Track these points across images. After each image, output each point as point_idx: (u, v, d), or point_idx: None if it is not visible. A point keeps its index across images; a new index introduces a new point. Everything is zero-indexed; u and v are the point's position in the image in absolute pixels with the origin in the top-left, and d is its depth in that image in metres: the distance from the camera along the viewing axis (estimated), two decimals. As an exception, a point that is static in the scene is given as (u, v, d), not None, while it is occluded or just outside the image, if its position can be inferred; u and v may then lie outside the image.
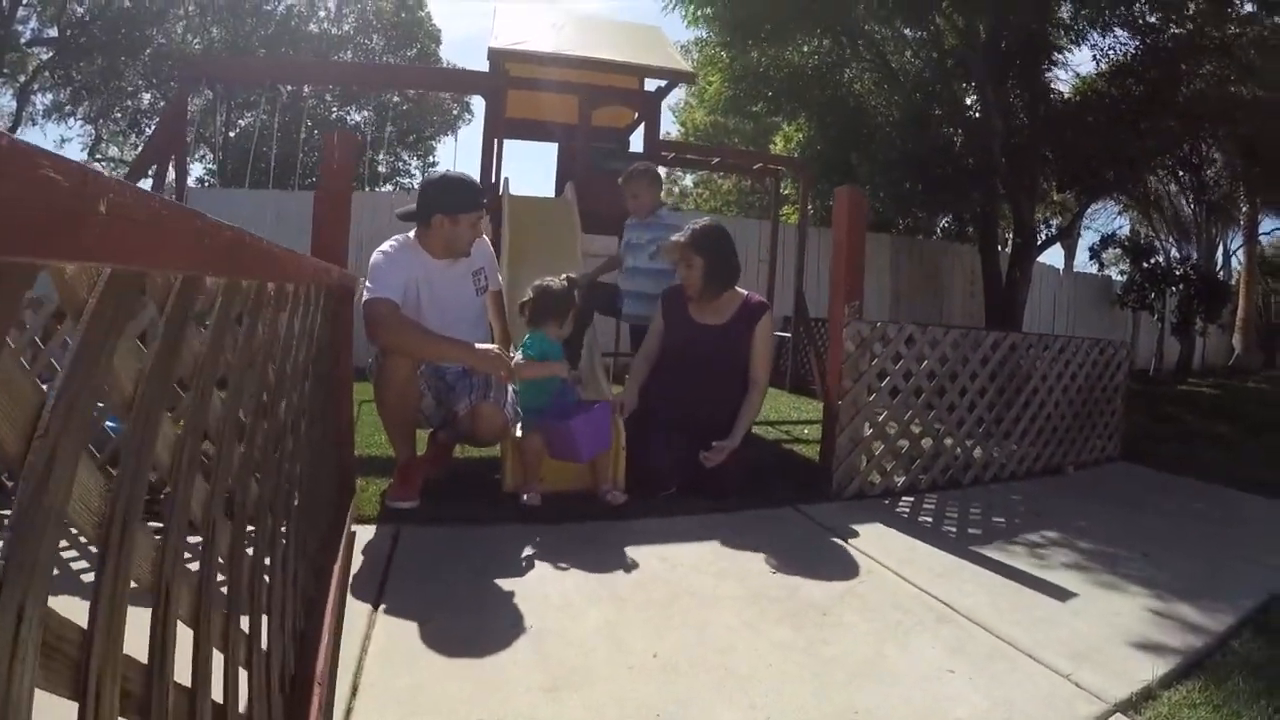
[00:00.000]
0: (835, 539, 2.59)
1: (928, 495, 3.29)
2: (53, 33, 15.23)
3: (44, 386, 0.44)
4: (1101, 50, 9.36)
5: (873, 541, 2.57)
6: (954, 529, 2.82)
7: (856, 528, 2.70)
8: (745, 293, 3.25)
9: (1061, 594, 2.16)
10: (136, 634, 0.58)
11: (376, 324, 2.54)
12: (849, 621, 1.89)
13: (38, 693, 0.41)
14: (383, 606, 1.85)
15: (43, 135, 17.02)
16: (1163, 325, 12.83)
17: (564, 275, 2.96)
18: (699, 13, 9.15)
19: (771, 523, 2.75)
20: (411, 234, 2.84)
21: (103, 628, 0.48)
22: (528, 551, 2.30)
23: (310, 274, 1.25)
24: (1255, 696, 1.55)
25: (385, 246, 2.78)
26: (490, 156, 5.51)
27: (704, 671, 1.59)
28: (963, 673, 1.64)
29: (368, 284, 2.62)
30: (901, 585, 2.17)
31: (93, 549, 0.51)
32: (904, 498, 3.22)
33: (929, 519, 2.94)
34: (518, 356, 2.81)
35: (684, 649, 1.69)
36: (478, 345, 2.65)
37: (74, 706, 0.47)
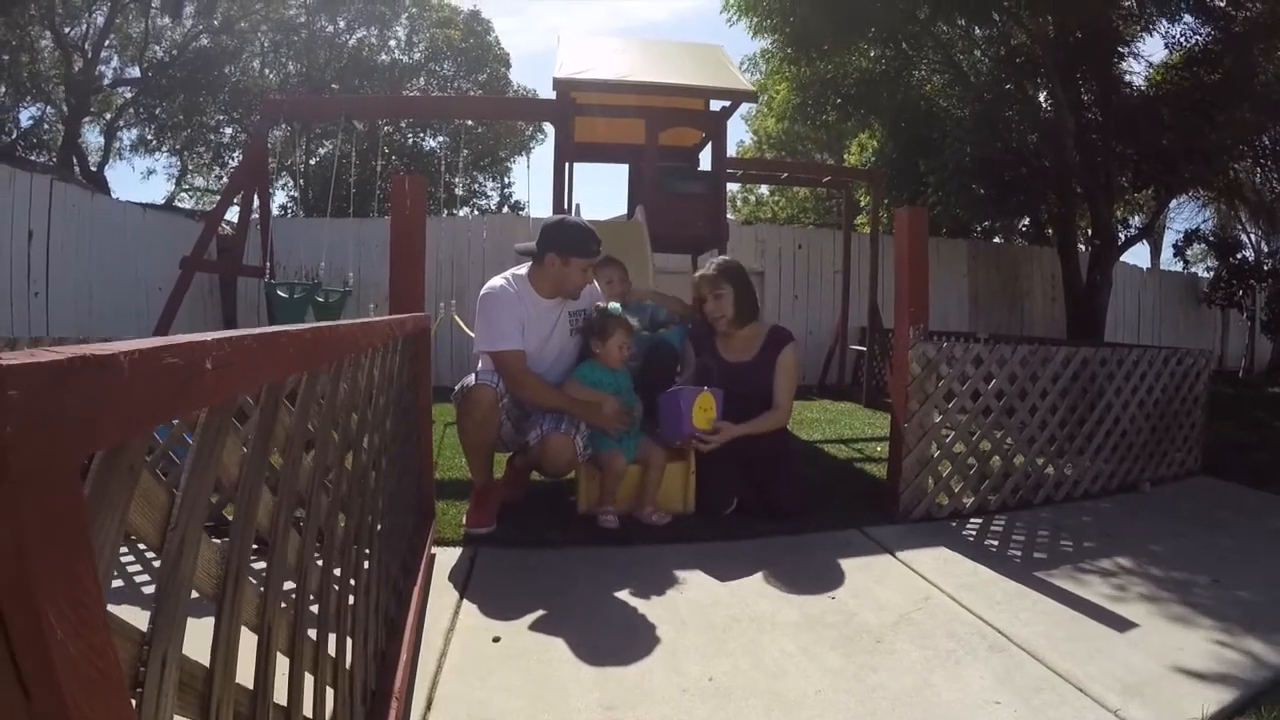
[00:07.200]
0: (898, 563, 2.60)
1: (996, 516, 3.23)
2: (134, 72, 16.16)
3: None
4: (1172, 38, 8.96)
5: (935, 566, 2.56)
6: (1019, 553, 2.78)
7: (920, 551, 2.70)
8: (769, 324, 3.30)
9: (1121, 624, 2.11)
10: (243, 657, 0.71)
11: (512, 380, 2.79)
12: (901, 649, 1.92)
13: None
14: (459, 626, 1.99)
15: (131, 168, 18.16)
16: (1253, 323, 12.08)
17: (599, 303, 3.05)
18: (762, 24, 9.18)
19: (835, 546, 2.77)
20: (524, 269, 3.00)
21: (220, 666, 0.60)
22: (597, 573, 2.40)
23: (382, 336, 1.40)
24: (1310, 736, 1.49)
25: (496, 285, 2.92)
26: (561, 181, 5.70)
27: (754, 696, 1.65)
28: (1008, 704, 1.65)
29: (487, 331, 2.82)
30: (958, 612, 2.17)
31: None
32: (972, 519, 3.18)
33: (995, 542, 2.91)
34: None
35: (738, 673, 1.76)
36: (603, 403, 2.88)
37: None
